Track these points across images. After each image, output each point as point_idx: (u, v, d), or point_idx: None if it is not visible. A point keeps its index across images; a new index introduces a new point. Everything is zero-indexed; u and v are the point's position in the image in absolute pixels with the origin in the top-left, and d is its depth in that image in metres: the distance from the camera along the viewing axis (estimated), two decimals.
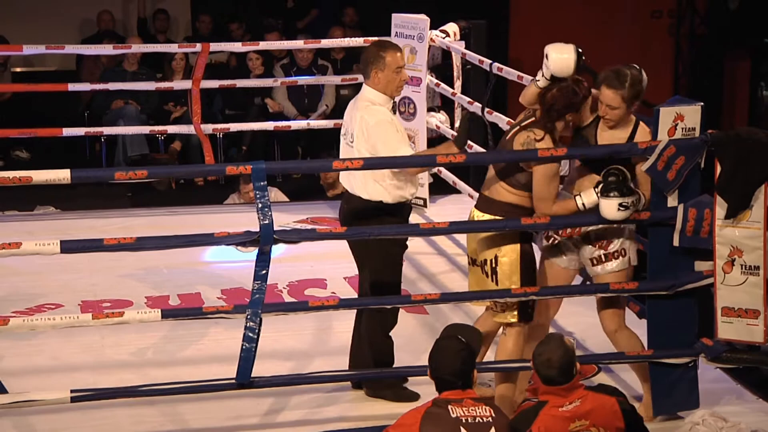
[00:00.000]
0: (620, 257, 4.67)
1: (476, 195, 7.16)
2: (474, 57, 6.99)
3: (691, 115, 4.47)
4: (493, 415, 3.64)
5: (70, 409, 4.53)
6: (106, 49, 8.97)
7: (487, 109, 6.78)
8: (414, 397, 4.70)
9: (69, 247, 4.44)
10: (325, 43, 8.51)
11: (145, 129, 8.80)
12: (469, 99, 7.10)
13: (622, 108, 4.54)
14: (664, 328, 4.63)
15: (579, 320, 5.58)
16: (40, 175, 4.36)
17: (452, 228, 4.91)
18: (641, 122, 4.64)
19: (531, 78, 6.19)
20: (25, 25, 10.30)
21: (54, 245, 4.38)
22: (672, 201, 4.50)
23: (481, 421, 3.61)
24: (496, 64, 6.63)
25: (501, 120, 6.72)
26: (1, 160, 9.37)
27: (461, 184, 7.37)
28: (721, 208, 4.45)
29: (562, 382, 3.78)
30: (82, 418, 4.58)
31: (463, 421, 3.60)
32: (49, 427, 4.54)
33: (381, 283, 4.90)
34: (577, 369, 3.84)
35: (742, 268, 4.46)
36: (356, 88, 9.64)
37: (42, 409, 4.49)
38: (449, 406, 3.63)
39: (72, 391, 4.46)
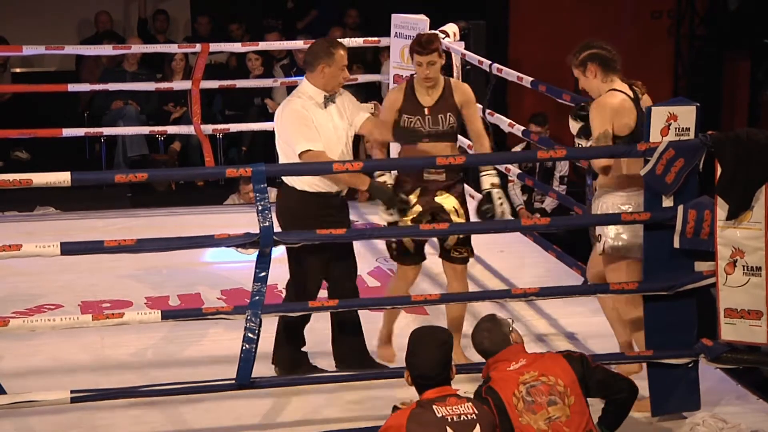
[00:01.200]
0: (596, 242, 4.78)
1: (478, 196, 7.19)
2: (474, 57, 6.99)
3: (685, 115, 4.46)
4: (477, 411, 3.67)
5: (70, 409, 4.53)
6: (106, 50, 8.97)
7: (488, 111, 6.79)
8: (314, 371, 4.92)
9: (69, 248, 4.45)
10: None
11: (145, 129, 8.80)
12: None
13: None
14: (664, 329, 4.63)
15: (581, 320, 5.58)
16: (41, 178, 4.36)
17: (452, 229, 4.91)
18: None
19: (531, 79, 6.22)
20: (24, 25, 10.31)
21: (54, 247, 4.38)
22: (667, 202, 4.50)
23: (465, 418, 3.64)
24: (496, 65, 6.63)
25: (502, 121, 6.72)
26: (1, 161, 9.37)
27: (464, 187, 7.36)
28: (722, 209, 4.45)
29: (497, 350, 3.94)
30: (82, 418, 4.58)
31: (449, 420, 3.63)
32: (49, 428, 4.54)
33: (294, 284, 5.04)
34: (513, 339, 3.99)
35: (744, 269, 4.46)
36: (356, 88, 9.71)
37: (42, 410, 4.49)
38: (434, 406, 3.65)
39: (72, 392, 4.46)
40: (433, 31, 5.93)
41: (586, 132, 4.65)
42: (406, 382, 3.81)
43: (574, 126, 4.73)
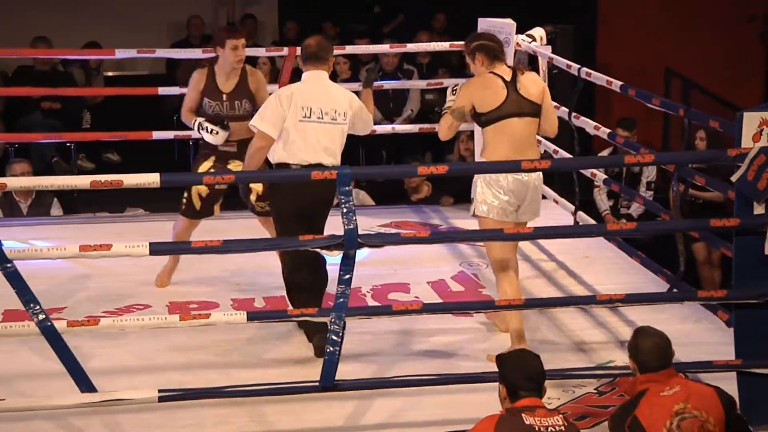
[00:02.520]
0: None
1: (561, 200, 7.14)
2: (561, 62, 6.94)
3: None
4: (565, 424, 3.66)
5: (158, 408, 4.60)
6: (195, 53, 9.08)
7: (573, 114, 6.74)
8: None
9: (158, 249, 4.53)
10: (411, 47, 8.52)
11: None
12: (555, 104, 7.06)
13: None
14: (754, 338, 4.55)
15: (666, 328, 5.48)
16: (131, 179, 4.45)
17: (536, 233, 4.89)
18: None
19: (620, 83, 6.16)
20: (117, 30, 10.50)
21: (143, 247, 4.46)
22: (759, 209, 4.42)
23: (553, 430, 3.63)
24: (585, 69, 6.58)
25: (588, 125, 6.67)
26: (93, 163, 9.55)
27: (546, 190, 7.32)
28: None
29: (659, 369, 3.85)
30: (168, 417, 4.65)
31: (536, 429, 3.63)
32: (136, 426, 4.61)
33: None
34: (673, 355, 3.95)
35: None
36: (441, 92, 9.69)
37: (130, 408, 4.57)
38: (522, 414, 3.66)
39: (160, 391, 4.53)
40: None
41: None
42: (499, 396, 3.81)
43: (450, 100, 5.29)
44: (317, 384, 4.51)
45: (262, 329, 5.48)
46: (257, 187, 5.85)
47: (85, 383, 4.49)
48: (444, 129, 5.27)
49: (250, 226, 6.15)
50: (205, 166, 5.93)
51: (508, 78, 5.15)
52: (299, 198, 5.18)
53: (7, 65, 10.22)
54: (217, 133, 5.77)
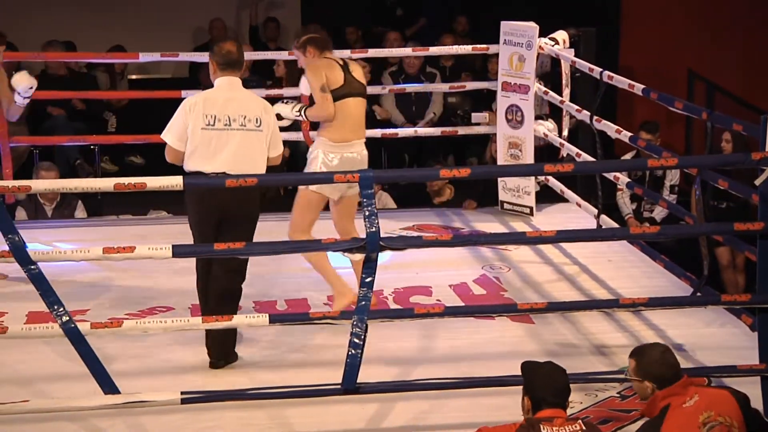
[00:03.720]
0: None
1: (584, 203, 7.13)
2: (584, 65, 6.93)
3: None
4: (585, 430, 3.65)
5: (180, 410, 4.62)
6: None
7: (595, 117, 6.73)
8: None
9: (180, 251, 4.55)
10: (434, 50, 8.52)
11: None
12: (577, 107, 7.05)
13: None
14: None
15: (690, 332, 5.49)
16: (154, 182, 4.48)
17: (559, 237, 4.88)
18: None
19: (642, 86, 6.15)
20: (141, 34, 10.55)
21: (166, 250, 4.48)
22: None
23: None
24: (607, 72, 6.56)
25: (609, 128, 6.65)
26: (117, 166, 9.59)
27: (569, 193, 7.31)
28: None
29: (676, 378, 3.83)
30: (191, 419, 4.66)
31: None
32: (159, 428, 4.63)
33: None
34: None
35: None
36: (463, 95, 9.68)
37: (153, 410, 4.59)
38: (541, 425, 3.66)
39: (182, 393, 4.55)
40: None
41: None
42: (522, 406, 3.81)
43: (295, 109, 5.60)
44: (339, 387, 4.52)
45: (285, 332, 5.48)
46: None
47: (108, 385, 4.51)
48: (326, 104, 5.45)
49: (273, 230, 6.16)
50: None
51: (340, 62, 5.54)
52: (202, 206, 5.02)
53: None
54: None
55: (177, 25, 11.07)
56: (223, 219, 5.03)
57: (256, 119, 5.04)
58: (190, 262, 6.15)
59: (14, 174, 7.63)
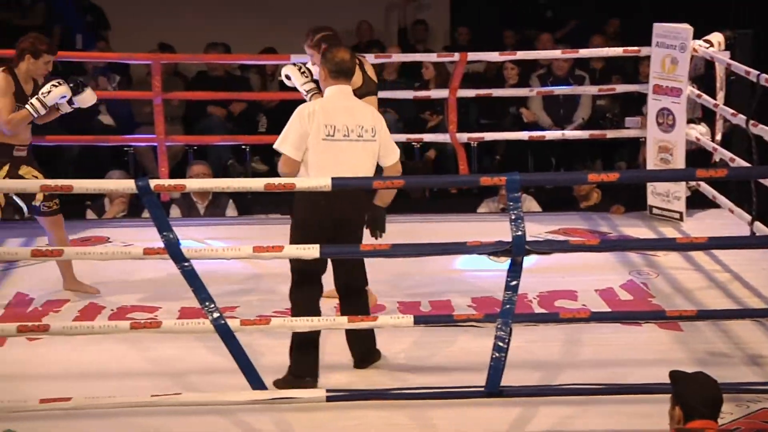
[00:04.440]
0: None
1: (737, 210, 6.95)
2: (739, 67, 6.76)
3: None
4: None
5: (325, 408, 4.68)
6: (368, 58, 9.20)
7: (751, 122, 6.56)
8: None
9: (327, 252, 4.63)
10: (583, 52, 8.43)
11: (402, 137, 8.97)
12: (732, 111, 6.88)
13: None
14: None
15: None
16: (303, 183, 4.56)
17: (711, 243, 4.77)
18: None
19: None
20: (291, 36, 10.72)
21: (314, 249, 4.55)
22: None
23: None
24: (764, 75, 6.39)
25: (766, 132, 6.47)
26: (267, 166, 9.78)
27: (721, 199, 7.14)
28: None
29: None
30: (335, 417, 4.71)
31: None
32: (304, 425, 4.68)
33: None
34: None
35: None
36: (613, 98, 9.55)
37: (299, 407, 4.67)
38: None
39: (327, 391, 4.62)
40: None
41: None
42: (670, 416, 3.74)
43: (305, 82, 5.56)
44: (482, 389, 4.51)
45: (428, 333, 5.50)
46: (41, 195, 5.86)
47: (256, 381, 4.61)
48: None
49: (405, 231, 6.18)
50: (1, 173, 5.83)
51: (357, 62, 5.36)
52: (316, 213, 4.86)
53: (188, 70, 10.59)
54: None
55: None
56: (338, 225, 4.89)
57: (372, 129, 4.93)
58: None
59: (169, 172, 7.87)
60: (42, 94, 5.76)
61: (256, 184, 4.65)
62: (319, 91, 5.46)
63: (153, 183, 4.53)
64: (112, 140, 8.89)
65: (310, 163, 4.83)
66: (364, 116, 4.94)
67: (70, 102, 5.92)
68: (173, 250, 4.51)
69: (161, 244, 4.53)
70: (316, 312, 4.93)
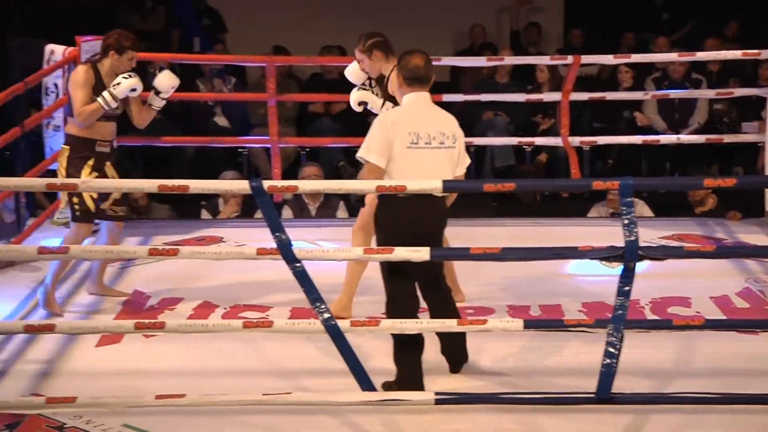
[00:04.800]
0: None
1: None
2: None
3: None
4: None
5: (434, 411, 4.68)
6: (480, 61, 9.21)
7: None
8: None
9: (437, 254, 4.64)
10: (701, 55, 8.29)
11: (513, 140, 8.94)
12: None
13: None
14: None
15: None
16: (415, 185, 4.58)
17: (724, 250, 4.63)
18: None
19: None
20: (404, 38, 10.75)
21: (423, 252, 4.57)
22: None
23: None
24: None
25: None
26: None
27: None
28: None
29: None
30: (444, 420, 4.70)
31: None
32: (413, 427, 4.69)
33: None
34: None
35: None
36: (730, 102, 9.35)
37: (408, 409, 4.68)
38: None
39: (436, 394, 4.62)
40: None
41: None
42: None
43: (375, 101, 5.70)
44: (593, 395, 4.47)
45: (538, 338, 5.47)
46: (116, 193, 5.88)
47: (366, 382, 4.64)
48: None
49: (515, 234, 6.16)
50: (85, 171, 5.81)
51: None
52: (405, 219, 4.79)
53: (303, 72, 10.71)
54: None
55: (438, 29, 11.24)
56: (427, 233, 4.85)
57: (452, 136, 4.90)
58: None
59: (282, 174, 7.97)
60: (113, 86, 5.79)
61: (368, 186, 4.68)
62: (385, 103, 5.63)
63: (266, 184, 4.59)
64: (227, 141, 9.05)
65: (394, 171, 4.80)
66: (444, 123, 4.91)
67: (157, 93, 5.97)
68: (285, 251, 4.56)
69: (274, 245, 4.59)
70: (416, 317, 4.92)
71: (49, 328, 4.75)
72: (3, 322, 5.42)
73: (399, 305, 4.87)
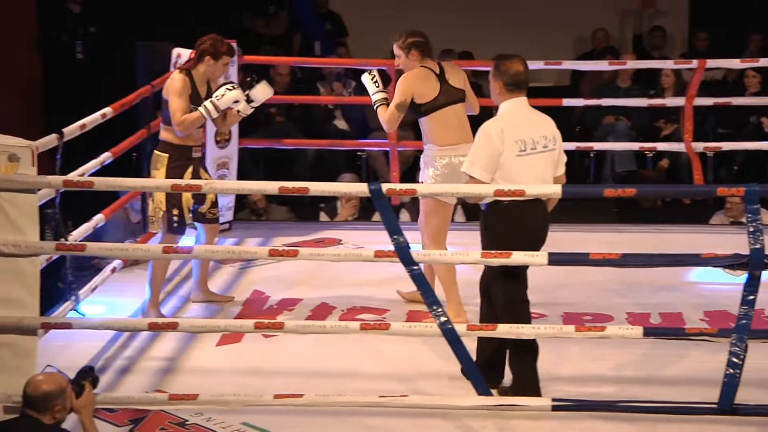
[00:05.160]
0: None
1: None
2: None
3: None
4: None
5: (550, 417, 4.66)
6: (601, 65, 9.11)
7: None
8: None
9: (556, 259, 4.60)
10: None
11: (635, 145, 8.81)
12: None
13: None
14: None
15: None
16: (533, 189, 4.56)
17: None
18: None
19: None
20: (522, 42, 10.72)
21: (542, 257, 4.54)
22: None
23: None
24: None
25: None
26: None
27: None
28: None
29: None
30: (561, 427, 4.67)
31: None
32: None
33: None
34: None
35: None
36: None
37: (524, 415, 4.66)
38: None
39: (553, 400, 4.58)
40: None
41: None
42: None
43: (377, 90, 5.80)
44: (715, 406, 4.38)
45: (658, 346, 5.38)
46: (212, 195, 5.87)
47: (481, 386, 4.63)
48: (392, 121, 5.71)
49: (635, 240, 6.07)
50: (187, 176, 5.76)
51: (437, 71, 5.70)
52: (520, 227, 4.75)
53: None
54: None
55: (559, 33, 11.16)
56: (535, 238, 4.82)
57: (553, 138, 4.86)
58: (563, 270, 6.13)
59: (400, 177, 8.01)
60: (216, 97, 5.74)
61: (487, 189, 4.67)
62: (386, 103, 5.76)
63: (385, 187, 4.62)
64: (346, 144, 9.12)
65: (504, 179, 4.75)
66: (546, 126, 4.88)
67: (248, 100, 5.91)
68: (403, 254, 4.59)
69: (391, 247, 4.62)
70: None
71: (172, 326, 4.86)
72: (128, 319, 5.56)
73: (514, 310, 4.83)
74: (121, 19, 10.02)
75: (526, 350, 4.84)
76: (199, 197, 5.83)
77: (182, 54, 7.10)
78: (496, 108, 4.91)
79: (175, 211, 5.77)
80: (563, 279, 6.26)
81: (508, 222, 4.76)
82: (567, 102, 7.97)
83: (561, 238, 6.17)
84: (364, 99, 9.85)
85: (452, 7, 11.31)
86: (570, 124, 9.92)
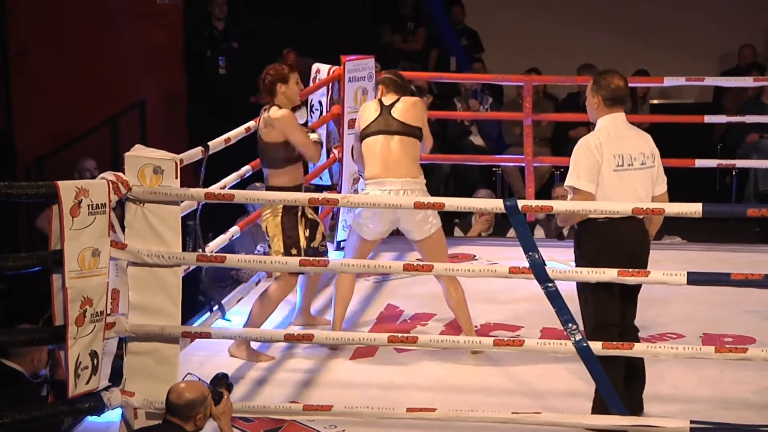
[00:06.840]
0: None
1: None
2: None
3: None
4: None
5: None
6: (745, 82, 8.89)
7: None
8: None
9: (695, 278, 4.51)
10: None
11: None
12: None
13: None
14: None
15: None
16: (672, 208, 4.48)
17: None
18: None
19: None
20: (664, 58, 10.56)
21: (681, 276, 4.46)
22: None
23: None
24: None
25: None
26: None
27: None
28: None
29: None
30: None
31: None
32: None
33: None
34: None
35: None
36: None
37: None
38: None
39: (692, 422, 4.48)
40: None
41: None
42: None
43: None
44: None
45: None
46: (322, 228, 5.77)
47: (617, 406, 4.56)
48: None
49: (755, 260, 5.86)
50: (301, 225, 5.61)
51: (387, 103, 5.76)
52: (618, 246, 4.65)
53: (558, 91, 10.66)
54: None
55: (703, 50, 10.94)
56: (635, 256, 4.71)
57: (651, 155, 4.75)
58: (703, 290, 6.01)
59: (535, 193, 7.95)
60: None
61: (624, 207, 4.60)
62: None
63: (521, 203, 4.60)
64: (482, 160, 9.11)
65: (600, 195, 4.67)
66: (643, 142, 4.78)
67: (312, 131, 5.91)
68: (538, 271, 4.55)
69: (526, 264, 4.59)
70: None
71: (308, 338, 4.92)
72: (265, 330, 5.66)
73: (607, 332, 4.70)
74: (262, 35, 10.23)
75: (618, 370, 4.68)
76: (312, 234, 5.68)
77: (321, 69, 7.20)
78: (593, 124, 4.85)
79: (294, 251, 5.56)
80: (703, 298, 6.13)
81: (603, 240, 4.68)
82: (709, 119, 7.80)
83: (700, 257, 6.07)
84: (499, 114, 9.91)
85: (593, 24, 11.20)
86: (712, 141, 9.72)
